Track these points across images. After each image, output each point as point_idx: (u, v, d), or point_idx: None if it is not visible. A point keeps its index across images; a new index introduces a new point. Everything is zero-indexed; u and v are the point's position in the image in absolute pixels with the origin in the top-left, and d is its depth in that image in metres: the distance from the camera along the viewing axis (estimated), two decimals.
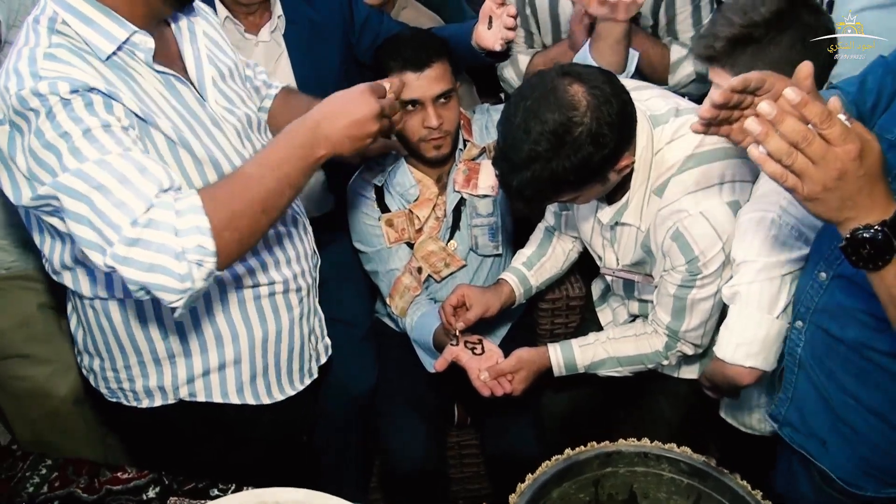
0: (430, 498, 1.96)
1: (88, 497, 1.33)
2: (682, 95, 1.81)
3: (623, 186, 1.53)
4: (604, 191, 1.51)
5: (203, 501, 1.29)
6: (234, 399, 1.42)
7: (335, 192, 2.06)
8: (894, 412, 1.20)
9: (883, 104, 1.17)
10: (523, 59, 2.08)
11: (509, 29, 1.80)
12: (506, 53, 1.91)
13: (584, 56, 1.76)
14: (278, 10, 1.86)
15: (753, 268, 1.35)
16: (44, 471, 1.39)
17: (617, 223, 1.59)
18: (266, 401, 1.45)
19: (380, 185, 1.96)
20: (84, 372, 1.47)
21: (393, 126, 1.31)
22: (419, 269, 1.95)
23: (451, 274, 1.98)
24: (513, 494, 1.08)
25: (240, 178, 1.16)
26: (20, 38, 1.17)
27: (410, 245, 1.96)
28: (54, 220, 1.18)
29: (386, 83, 1.28)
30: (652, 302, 1.64)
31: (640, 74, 1.83)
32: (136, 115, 1.17)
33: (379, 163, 1.96)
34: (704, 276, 1.48)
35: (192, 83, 1.31)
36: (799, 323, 1.31)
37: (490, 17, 1.81)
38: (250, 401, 1.43)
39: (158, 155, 1.20)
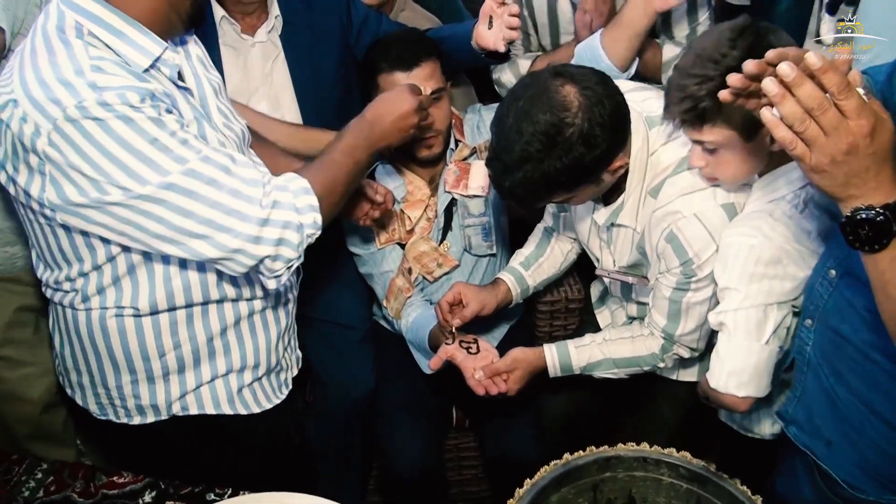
0: (428, 500, 1.95)
1: (84, 501, 1.33)
2: None
3: (619, 188, 1.53)
4: (598, 192, 1.51)
5: None
6: (227, 409, 1.42)
7: None
8: None
9: None
10: (524, 63, 2.06)
11: (512, 28, 1.79)
12: (506, 54, 1.90)
13: (593, 43, 1.74)
14: (275, 10, 1.85)
15: (737, 297, 1.35)
16: (39, 475, 1.38)
17: (613, 224, 1.59)
18: (256, 410, 1.46)
19: None
20: (69, 391, 1.45)
21: (428, 116, 1.60)
22: (409, 270, 1.95)
23: (445, 274, 1.98)
24: (511, 500, 1.07)
25: (328, 163, 1.33)
26: (41, 46, 1.14)
27: (402, 246, 1.96)
28: (99, 229, 1.17)
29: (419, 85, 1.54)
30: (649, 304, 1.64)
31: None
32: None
33: None
34: (699, 278, 1.47)
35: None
36: (808, 321, 1.30)
37: (490, 17, 1.81)
38: (242, 411, 1.44)
39: None
